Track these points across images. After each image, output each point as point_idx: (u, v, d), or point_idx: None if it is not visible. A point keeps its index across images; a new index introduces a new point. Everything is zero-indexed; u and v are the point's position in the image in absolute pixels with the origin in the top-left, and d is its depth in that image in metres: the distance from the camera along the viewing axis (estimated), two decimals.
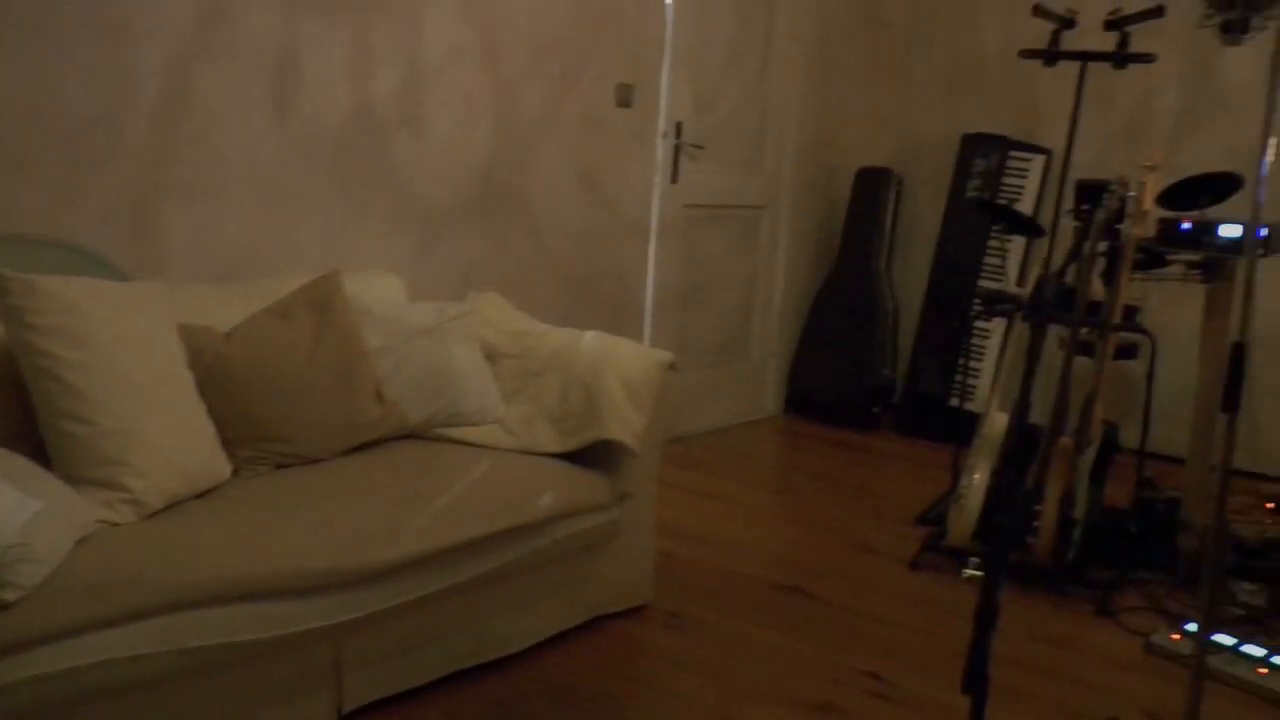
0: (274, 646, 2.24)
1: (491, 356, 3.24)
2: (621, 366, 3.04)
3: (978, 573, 1.87)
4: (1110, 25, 2.66)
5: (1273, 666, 3.04)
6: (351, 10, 3.50)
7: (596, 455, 3.00)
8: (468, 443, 3.03)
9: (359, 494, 2.60)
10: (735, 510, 4.21)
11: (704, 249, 5.15)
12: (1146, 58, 2.55)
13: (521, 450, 3.00)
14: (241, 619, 2.17)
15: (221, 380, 2.65)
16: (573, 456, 2.99)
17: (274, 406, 2.71)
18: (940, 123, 5.83)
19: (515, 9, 4.02)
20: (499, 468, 2.85)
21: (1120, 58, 2.49)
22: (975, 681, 1.81)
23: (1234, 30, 3.34)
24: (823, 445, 5.27)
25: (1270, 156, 2.04)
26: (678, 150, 4.83)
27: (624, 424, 2.96)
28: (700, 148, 4.92)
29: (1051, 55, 2.54)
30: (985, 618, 1.79)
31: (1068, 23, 2.65)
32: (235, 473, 2.63)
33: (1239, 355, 1.98)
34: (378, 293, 3.24)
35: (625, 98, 4.53)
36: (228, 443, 2.63)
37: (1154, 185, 3.62)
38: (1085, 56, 2.41)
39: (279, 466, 2.71)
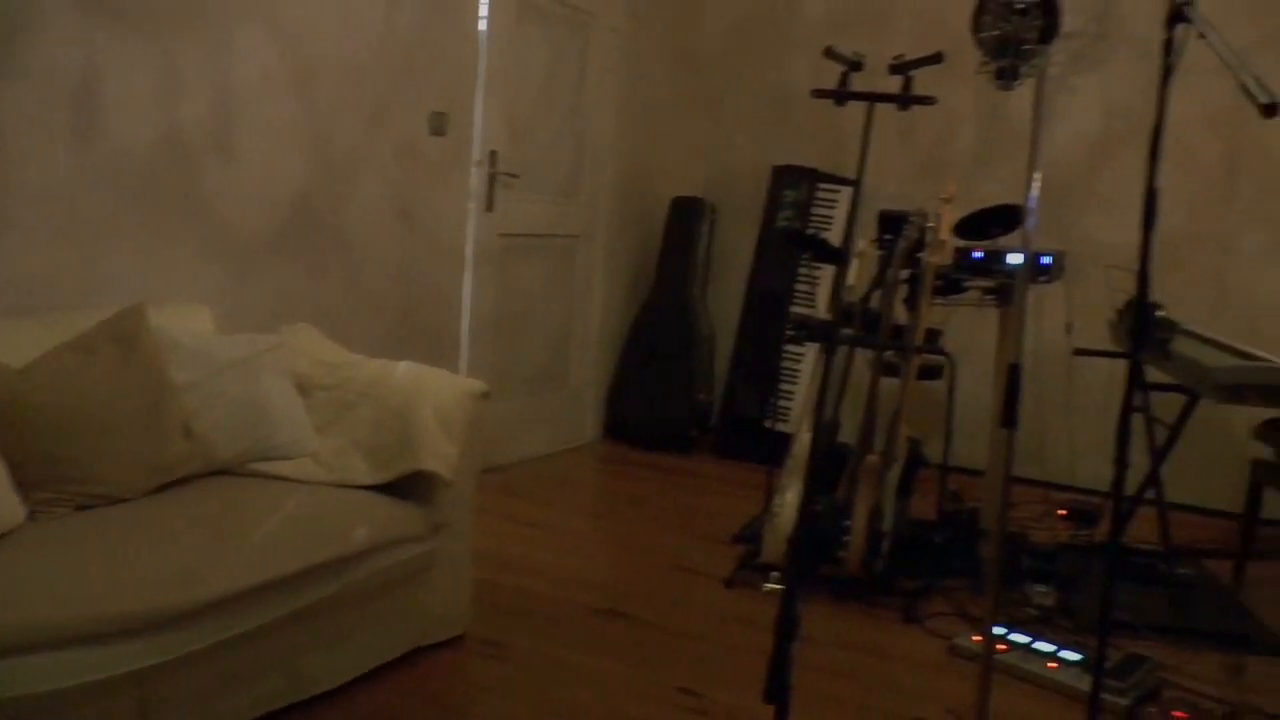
0: (77, 696, 2.14)
1: (304, 389, 3.19)
2: (435, 397, 3.04)
3: (778, 586, 1.94)
4: (894, 70, 2.83)
5: (1062, 661, 3.24)
6: (157, 31, 3.39)
7: (411, 486, 2.98)
8: (281, 477, 2.96)
9: (166, 533, 2.52)
10: (554, 536, 4.23)
11: (521, 278, 5.17)
12: (928, 100, 2.71)
13: (336, 483, 2.96)
14: (39, 668, 2.07)
15: (14, 419, 2.54)
16: (388, 488, 2.97)
17: (74, 445, 2.60)
18: (752, 154, 6.02)
19: (326, 34, 3.97)
20: (312, 502, 2.81)
21: (903, 99, 2.63)
22: (777, 691, 1.88)
23: (1006, 76, 3.57)
24: (641, 469, 5.34)
25: (1036, 191, 2.19)
26: (493, 179, 4.84)
27: (437, 454, 2.96)
28: (515, 176, 4.95)
29: (841, 95, 2.67)
30: (785, 628, 1.86)
31: (856, 65, 2.80)
32: (31, 516, 2.51)
33: (1015, 375, 2.12)
34: (186, 325, 3.14)
35: (439, 126, 4.53)
36: (22, 485, 2.51)
37: (950, 216, 3.83)
38: (872, 97, 2.54)
39: (81, 508, 2.60)
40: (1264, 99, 1.82)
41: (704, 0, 6.14)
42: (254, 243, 3.81)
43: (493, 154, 4.83)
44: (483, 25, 4.67)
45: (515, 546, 4.04)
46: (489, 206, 4.85)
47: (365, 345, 3.82)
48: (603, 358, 5.81)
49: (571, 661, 3.11)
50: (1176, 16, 2.01)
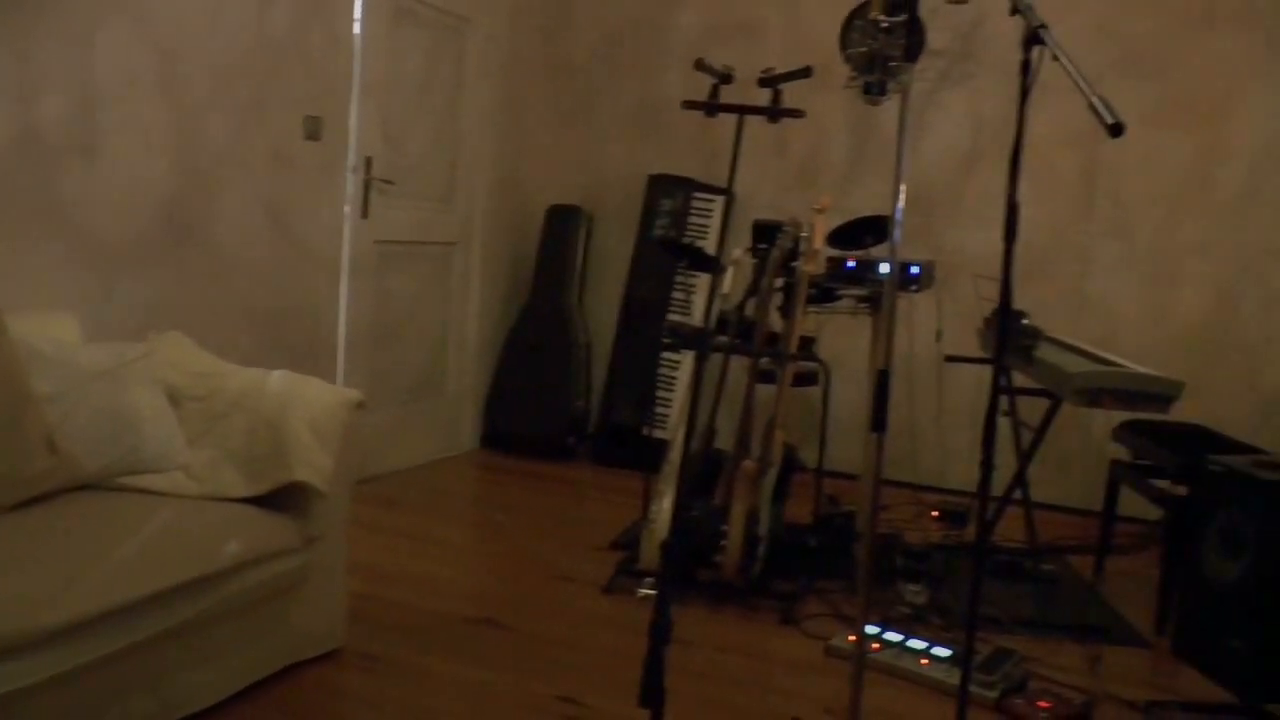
0: None
1: (174, 399, 3.10)
2: (308, 406, 2.99)
3: (651, 591, 1.96)
4: (763, 83, 2.89)
5: (933, 657, 3.34)
6: (10, 26, 3.27)
7: (285, 498, 2.92)
8: (150, 491, 2.88)
9: (27, 552, 2.43)
10: (431, 547, 4.20)
11: (397, 285, 5.12)
12: (797, 113, 2.78)
13: (207, 496, 2.89)
14: None
15: None
16: (261, 500, 2.91)
17: None
18: (628, 163, 6.06)
19: (194, 33, 3.87)
20: (182, 516, 2.74)
21: (772, 112, 2.69)
22: (652, 694, 1.90)
23: (874, 91, 3.68)
24: (519, 478, 5.33)
25: (902, 202, 2.26)
26: (368, 185, 4.79)
27: (311, 465, 2.91)
28: (391, 183, 4.90)
29: (711, 107, 2.72)
30: (659, 633, 1.88)
31: (726, 78, 2.84)
32: None
33: (883, 381, 2.18)
34: (49, 334, 3.03)
35: (314, 130, 4.46)
36: None
37: (823, 226, 3.92)
38: (741, 110, 2.59)
39: None
40: (1110, 119, 1.90)
41: (579, 9, 6.16)
42: (121, 248, 3.70)
43: (368, 160, 4.77)
44: (357, 28, 4.62)
45: (392, 558, 4.00)
46: (364, 213, 4.79)
47: (238, 354, 3.75)
48: (480, 366, 5.78)
49: (449, 673, 3.09)
50: (1032, 39, 2.09)
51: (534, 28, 5.91)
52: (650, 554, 3.73)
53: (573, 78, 6.15)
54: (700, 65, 2.97)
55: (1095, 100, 1.95)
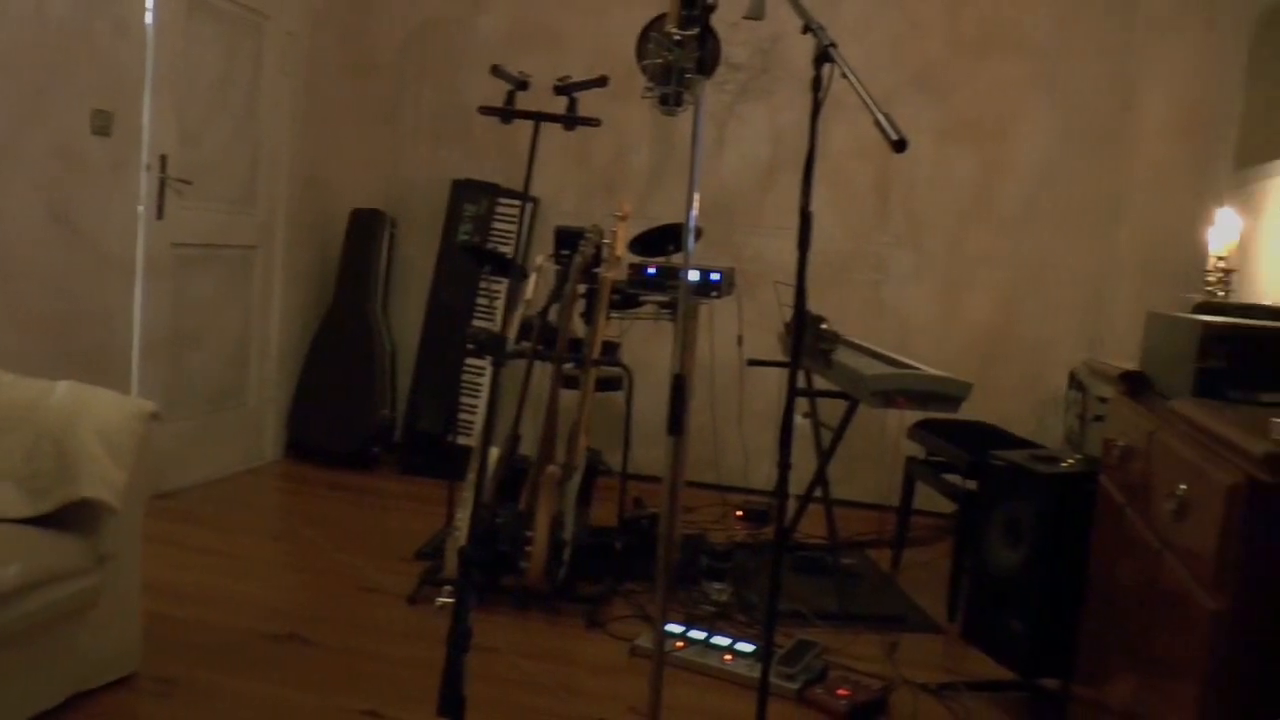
0: None
1: None
2: (99, 418, 2.85)
3: (450, 600, 1.96)
4: (559, 90, 2.92)
5: (737, 653, 3.44)
6: None
7: (73, 516, 2.77)
8: None
9: None
10: (231, 563, 4.07)
11: (196, 290, 4.94)
12: (592, 121, 2.82)
13: None
14: None
15: None
16: (46, 520, 2.76)
17: None
18: (432, 168, 6.00)
19: None
20: None
21: (568, 120, 2.72)
22: (451, 703, 1.90)
23: (670, 103, 3.76)
24: (324, 489, 5.22)
25: (695, 211, 2.32)
26: (164, 185, 4.60)
27: (102, 481, 2.78)
28: (188, 183, 4.72)
29: (507, 114, 2.74)
30: (457, 640, 1.88)
31: (522, 84, 2.87)
32: None
33: (680, 385, 2.24)
34: None
35: (103, 125, 4.25)
36: None
37: (625, 233, 3.97)
38: (538, 117, 2.62)
39: None
40: (895, 135, 2.00)
41: (379, 8, 6.06)
42: None
43: (163, 158, 4.58)
44: (149, 18, 4.43)
45: (189, 576, 3.86)
46: (160, 214, 4.60)
47: (20, 364, 3.52)
48: (283, 374, 5.63)
49: (250, 693, 3.00)
50: (823, 57, 2.17)
51: (334, 25, 5.80)
52: (454, 562, 3.71)
53: (376, 78, 6.05)
54: (496, 71, 2.98)
55: (881, 117, 2.04)
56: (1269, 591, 1.77)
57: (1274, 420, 1.78)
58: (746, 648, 3.46)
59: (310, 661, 3.24)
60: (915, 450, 4.67)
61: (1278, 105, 4.05)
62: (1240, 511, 1.80)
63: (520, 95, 2.91)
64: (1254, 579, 1.78)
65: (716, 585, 3.95)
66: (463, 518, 3.75)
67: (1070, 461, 3.24)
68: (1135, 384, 2.70)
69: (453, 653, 1.86)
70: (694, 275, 4.12)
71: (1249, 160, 4.37)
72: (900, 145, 1.98)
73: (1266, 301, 3.78)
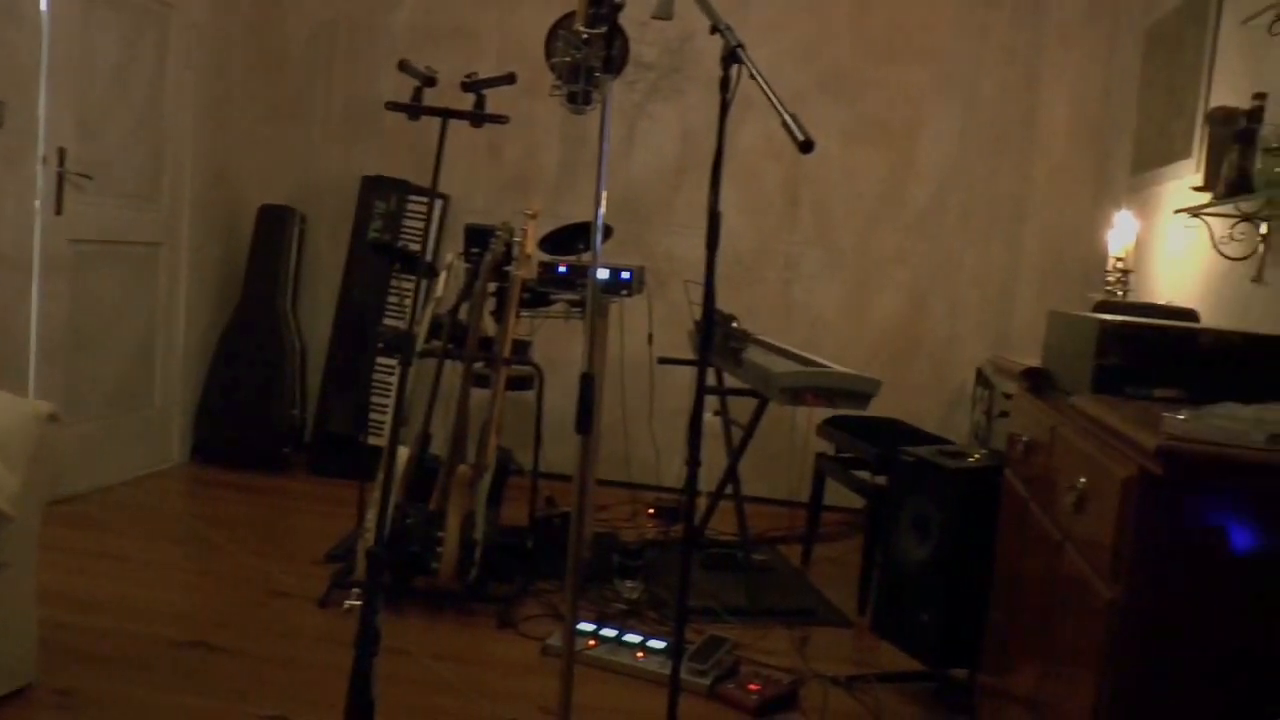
0: None
1: None
2: None
3: (358, 603, 1.94)
4: (465, 87, 2.90)
5: (649, 650, 3.45)
6: None
7: None
8: None
9: None
10: (135, 569, 3.97)
11: (97, 288, 4.81)
12: (500, 119, 2.81)
13: None
14: None
15: None
16: None
17: None
18: (341, 164, 5.92)
19: None
20: None
21: (475, 117, 2.71)
22: (359, 708, 1.88)
23: (578, 101, 3.75)
24: (232, 491, 5.13)
25: (603, 210, 2.33)
26: (62, 179, 4.48)
27: None
28: (88, 177, 4.60)
29: (414, 110, 2.71)
30: (364, 644, 1.86)
31: (429, 80, 2.84)
32: None
33: (587, 384, 2.24)
34: None
35: None
36: None
37: (535, 231, 3.96)
38: (445, 113, 2.61)
39: None
40: (801, 136, 2.01)
41: (289, 1, 5.96)
42: None
43: (61, 151, 4.46)
44: (44, 5, 4.30)
45: (90, 583, 3.76)
46: (58, 209, 4.48)
47: None
48: (189, 374, 5.51)
49: (154, 702, 2.93)
50: (730, 57, 2.18)
51: (240, 17, 5.69)
52: (364, 564, 3.67)
53: (283, 71, 5.96)
54: (403, 66, 2.95)
55: (788, 117, 2.05)
56: (1161, 579, 1.82)
57: (1166, 415, 1.84)
58: (658, 644, 3.47)
59: (216, 668, 3.18)
60: (825, 447, 4.73)
61: (1169, 113, 4.18)
62: (1134, 503, 1.85)
63: (429, 92, 2.88)
64: (1147, 568, 1.83)
65: (628, 583, 3.96)
66: (372, 518, 3.71)
67: (977, 456, 3.30)
68: (1038, 380, 2.76)
69: (360, 656, 1.84)
70: (604, 274, 4.13)
71: (1144, 165, 4.51)
72: (807, 146, 2.00)
73: (1161, 301, 3.90)
